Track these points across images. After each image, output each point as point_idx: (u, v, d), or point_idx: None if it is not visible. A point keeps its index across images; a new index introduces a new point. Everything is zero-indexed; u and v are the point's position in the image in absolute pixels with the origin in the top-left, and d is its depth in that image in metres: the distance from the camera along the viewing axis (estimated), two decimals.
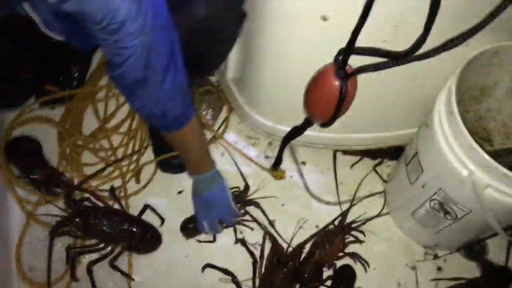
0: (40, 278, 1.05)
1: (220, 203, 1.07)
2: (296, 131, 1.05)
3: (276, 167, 1.22)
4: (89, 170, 1.17)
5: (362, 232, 1.15)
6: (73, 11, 0.62)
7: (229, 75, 1.15)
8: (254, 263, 1.10)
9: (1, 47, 0.96)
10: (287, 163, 1.24)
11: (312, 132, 1.14)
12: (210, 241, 1.13)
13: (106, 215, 1.04)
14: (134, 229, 1.05)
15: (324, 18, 0.81)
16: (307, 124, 0.99)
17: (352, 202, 1.18)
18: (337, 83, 0.81)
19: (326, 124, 0.90)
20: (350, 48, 0.76)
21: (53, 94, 1.21)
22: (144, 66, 0.74)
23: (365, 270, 1.12)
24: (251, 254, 1.12)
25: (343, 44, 0.87)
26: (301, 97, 1.04)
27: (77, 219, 1.02)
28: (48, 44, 0.97)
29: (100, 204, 1.10)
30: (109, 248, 1.06)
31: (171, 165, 1.18)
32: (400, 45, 0.77)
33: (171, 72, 0.79)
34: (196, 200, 1.09)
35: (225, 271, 1.08)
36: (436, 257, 1.15)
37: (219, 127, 1.27)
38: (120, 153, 1.21)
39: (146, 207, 1.12)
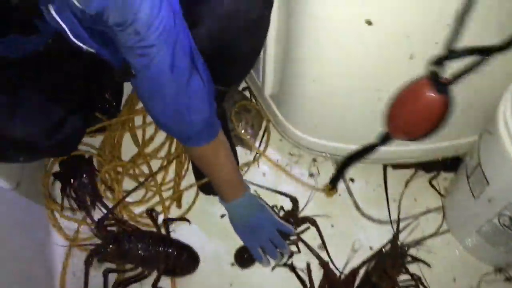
0: None
1: (267, 224, 1.00)
2: (370, 149, 1.00)
3: (334, 184, 1.14)
4: (129, 197, 1.14)
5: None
6: (96, 10, 0.60)
7: (267, 91, 1.10)
8: None
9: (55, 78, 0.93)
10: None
11: (355, 146, 1.07)
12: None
13: (139, 238, 1.01)
14: (170, 250, 1.01)
15: (369, 23, 0.75)
16: (385, 140, 0.95)
17: (400, 220, 1.09)
18: (435, 95, 0.78)
19: (414, 139, 0.87)
20: (450, 55, 0.71)
21: (98, 123, 1.20)
22: (170, 66, 0.70)
23: None
24: (302, 281, 1.04)
25: (389, 50, 0.81)
26: (346, 109, 0.98)
27: (111, 246, 0.99)
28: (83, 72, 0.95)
29: (131, 228, 1.07)
30: (146, 272, 1.03)
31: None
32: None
33: (195, 74, 0.75)
34: (239, 230, 1.02)
35: None
36: (508, 279, 1.03)
37: (260, 145, 1.22)
38: (160, 177, 1.18)
39: (166, 221, 1.08)
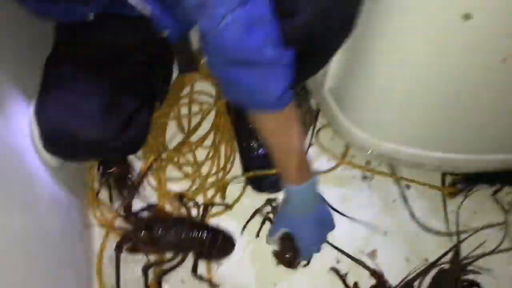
0: None
1: (330, 219, 0.93)
2: None
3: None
4: (173, 186, 1.10)
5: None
6: None
7: (327, 84, 1.03)
8: None
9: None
10: (389, 185, 1.10)
11: (421, 151, 1.01)
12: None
13: (172, 224, 0.97)
14: (204, 236, 0.97)
15: (466, 17, 0.68)
16: None
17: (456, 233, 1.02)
18: None
19: None
20: None
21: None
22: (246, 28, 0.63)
23: None
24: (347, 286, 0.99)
25: (482, 49, 0.75)
26: (417, 110, 0.91)
27: (142, 232, 0.95)
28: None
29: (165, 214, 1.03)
30: (180, 258, 0.99)
31: (265, 184, 1.07)
32: None
33: (272, 43, 0.67)
34: (297, 221, 0.91)
35: None
36: None
37: (309, 145, 1.15)
38: (205, 167, 1.13)
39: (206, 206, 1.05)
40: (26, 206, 0.79)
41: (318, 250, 0.94)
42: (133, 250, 0.98)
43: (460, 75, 0.80)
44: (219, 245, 0.99)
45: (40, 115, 0.79)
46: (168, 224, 0.96)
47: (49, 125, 0.79)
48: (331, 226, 0.93)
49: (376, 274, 0.98)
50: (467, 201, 1.07)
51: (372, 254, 1.03)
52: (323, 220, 0.92)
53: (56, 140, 0.81)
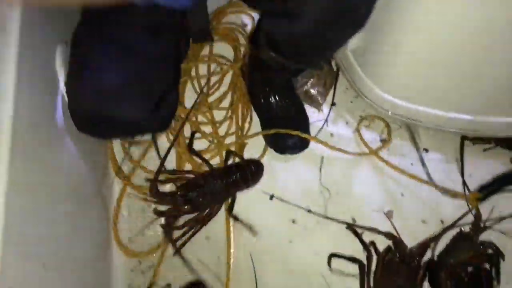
0: (139, 249, 1.01)
1: None
2: None
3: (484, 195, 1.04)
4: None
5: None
6: None
7: (351, 46, 1.02)
8: (369, 257, 0.98)
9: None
10: (406, 149, 1.10)
11: (441, 112, 1.00)
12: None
13: (203, 182, 0.95)
14: (235, 176, 0.97)
15: None
16: None
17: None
18: None
19: None
20: None
21: None
22: None
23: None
24: (365, 245, 0.99)
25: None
26: (443, 72, 0.90)
27: (185, 207, 0.94)
28: None
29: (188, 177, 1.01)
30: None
31: (287, 146, 1.07)
32: None
33: None
34: None
35: (353, 260, 0.98)
36: None
37: (330, 106, 1.15)
38: (224, 128, 1.13)
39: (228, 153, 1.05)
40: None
41: None
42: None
43: (480, 38, 0.79)
44: (251, 177, 0.99)
45: (73, 96, 0.78)
46: (200, 185, 0.95)
47: (83, 106, 0.78)
48: None
49: (390, 235, 0.99)
50: (485, 165, 1.07)
51: (389, 214, 1.03)
52: None
53: (90, 121, 0.81)
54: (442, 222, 1.03)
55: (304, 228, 1.02)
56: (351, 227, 1.01)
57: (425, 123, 1.03)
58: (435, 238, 0.99)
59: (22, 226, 0.65)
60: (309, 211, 1.04)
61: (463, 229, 0.99)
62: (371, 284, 0.96)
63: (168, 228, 0.95)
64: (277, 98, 1.08)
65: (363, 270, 0.96)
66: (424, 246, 0.98)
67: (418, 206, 1.05)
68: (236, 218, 1.00)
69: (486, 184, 1.07)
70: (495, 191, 1.05)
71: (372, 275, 0.97)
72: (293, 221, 1.03)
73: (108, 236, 1.01)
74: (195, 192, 0.95)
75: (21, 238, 0.65)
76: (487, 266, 0.97)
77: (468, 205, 1.02)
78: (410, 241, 0.99)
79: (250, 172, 0.99)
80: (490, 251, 0.98)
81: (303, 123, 1.10)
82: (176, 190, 0.95)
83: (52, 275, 0.72)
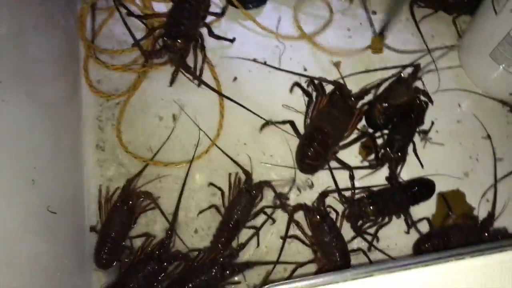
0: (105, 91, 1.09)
1: None
2: None
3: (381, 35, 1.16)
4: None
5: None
6: None
7: None
8: (317, 96, 1.07)
9: None
10: (356, 11, 1.20)
11: None
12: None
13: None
14: None
15: None
16: None
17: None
18: None
19: None
20: None
21: None
22: None
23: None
24: (315, 86, 1.08)
25: None
26: None
27: None
28: None
29: None
30: None
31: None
32: None
33: None
34: None
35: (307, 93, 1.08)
36: None
37: None
38: None
39: None
40: None
41: None
42: None
43: None
44: None
45: None
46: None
47: None
48: None
49: (336, 82, 1.08)
50: (427, 25, 1.18)
51: (336, 64, 1.14)
52: None
53: None
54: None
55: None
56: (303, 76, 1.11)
57: None
58: (375, 86, 1.11)
59: None
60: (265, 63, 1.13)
61: (402, 75, 1.10)
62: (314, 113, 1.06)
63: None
64: None
65: (310, 104, 1.07)
66: (364, 91, 1.09)
67: (363, 62, 1.16)
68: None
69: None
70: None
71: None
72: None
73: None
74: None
75: None
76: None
77: None
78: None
79: None
80: (422, 98, 1.09)
81: None
82: None
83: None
